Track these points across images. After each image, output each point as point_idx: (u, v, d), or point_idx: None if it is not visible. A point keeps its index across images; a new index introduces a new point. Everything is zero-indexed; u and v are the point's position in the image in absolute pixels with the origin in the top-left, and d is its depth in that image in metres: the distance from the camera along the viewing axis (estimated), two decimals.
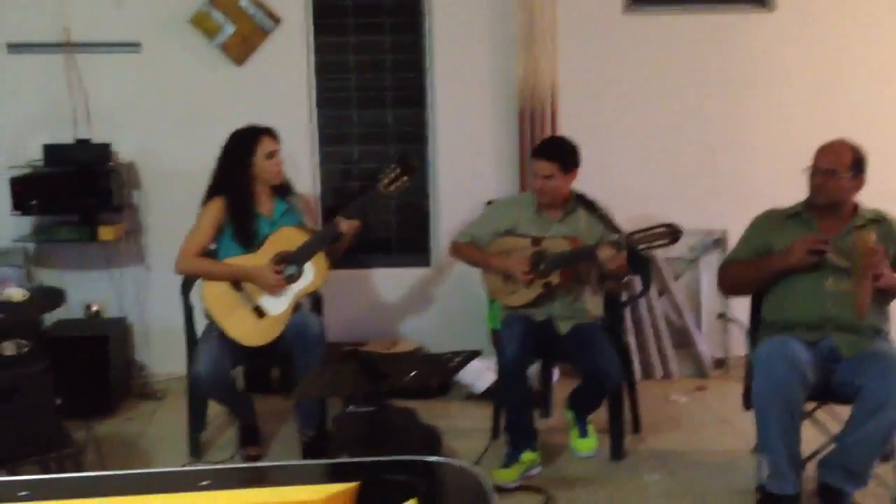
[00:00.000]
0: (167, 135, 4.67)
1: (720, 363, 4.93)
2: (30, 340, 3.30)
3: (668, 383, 4.75)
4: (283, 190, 3.82)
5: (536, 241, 3.68)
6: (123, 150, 4.62)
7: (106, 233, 4.42)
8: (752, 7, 4.88)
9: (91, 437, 3.78)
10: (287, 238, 3.65)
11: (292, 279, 3.61)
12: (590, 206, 3.80)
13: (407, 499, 1.28)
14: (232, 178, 3.70)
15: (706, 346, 4.89)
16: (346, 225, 3.60)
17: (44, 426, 3.25)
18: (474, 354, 2.76)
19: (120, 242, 4.59)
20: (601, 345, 3.59)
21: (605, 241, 3.52)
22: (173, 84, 4.65)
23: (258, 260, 3.62)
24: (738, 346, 4.78)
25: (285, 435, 4.01)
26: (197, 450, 3.80)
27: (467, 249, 3.86)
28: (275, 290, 3.59)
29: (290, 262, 3.62)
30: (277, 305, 3.61)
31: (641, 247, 3.42)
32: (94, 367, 4.30)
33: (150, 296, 4.74)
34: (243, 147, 3.70)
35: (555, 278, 3.62)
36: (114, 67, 4.60)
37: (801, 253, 3.21)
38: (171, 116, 4.66)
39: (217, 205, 3.70)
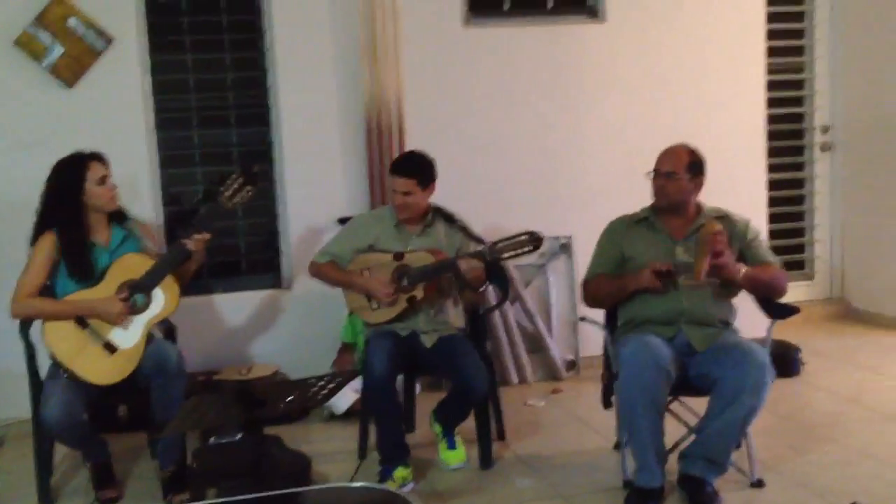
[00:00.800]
0: None
1: (571, 365, 5.06)
2: None
3: (524, 388, 4.83)
4: (118, 216, 3.61)
5: (398, 256, 3.66)
6: None
7: None
8: (585, 18, 5.09)
9: None
10: (130, 266, 3.45)
11: (142, 308, 3.42)
12: (448, 217, 3.82)
13: None
14: (61, 209, 3.46)
15: (558, 350, 5.02)
16: (194, 242, 3.44)
17: None
18: (353, 374, 2.70)
19: None
20: (467, 356, 3.61)
21: (466, 252, 3.55)
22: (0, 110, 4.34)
23: (102, 293, 3.40)
24: (588, 347, 4.93)
25: (139, 473, 3.81)
26: (47, 497, 3.54)
27: (328, 269, 3.78)
28: (122, 320, 3.39)
29: (138, 289, 3.41)
30: (129, 338, 3.40)
31: (506, 255, 3.46)
32: None
33: None
34: (71, 175, 3.46)
35: (418, 292, 3.61)
36: None
37: (649, 278, 3.32)
38: None
39: (48, 240, 3.46)
